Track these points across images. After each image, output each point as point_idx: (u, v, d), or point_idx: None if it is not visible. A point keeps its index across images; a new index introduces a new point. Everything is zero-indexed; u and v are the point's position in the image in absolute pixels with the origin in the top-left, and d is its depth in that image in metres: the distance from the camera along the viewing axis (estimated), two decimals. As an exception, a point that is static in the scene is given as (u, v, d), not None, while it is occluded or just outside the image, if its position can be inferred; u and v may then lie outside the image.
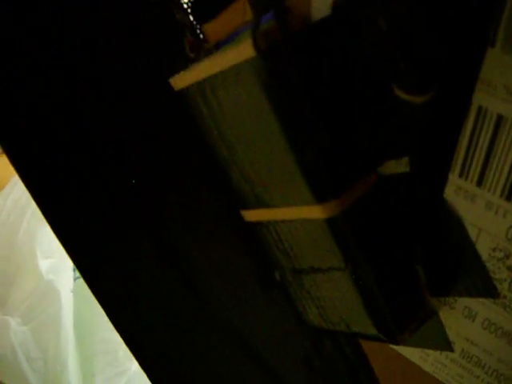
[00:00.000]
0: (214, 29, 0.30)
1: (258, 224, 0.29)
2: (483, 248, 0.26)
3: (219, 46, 0.29)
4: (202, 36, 0.30)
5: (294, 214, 0.26)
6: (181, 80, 0.27)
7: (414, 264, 0.28)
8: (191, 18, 0.31)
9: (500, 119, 0.22)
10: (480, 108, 0.22)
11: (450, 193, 0.25)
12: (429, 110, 0.23)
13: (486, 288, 0.27)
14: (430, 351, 0.32)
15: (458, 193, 0.25)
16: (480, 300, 0.28)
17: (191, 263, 0.35)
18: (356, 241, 0.25)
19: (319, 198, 0.25)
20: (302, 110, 0.23)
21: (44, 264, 0.95)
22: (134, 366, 0.95)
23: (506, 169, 0.23)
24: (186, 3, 0.30)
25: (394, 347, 0.34)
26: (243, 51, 0.23)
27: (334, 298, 0.28)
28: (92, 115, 0.33)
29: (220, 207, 0.33)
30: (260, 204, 0.28)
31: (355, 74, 0.23)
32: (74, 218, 0.35)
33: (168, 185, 0.34)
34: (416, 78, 0.22)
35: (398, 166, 0.25)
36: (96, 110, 0.32)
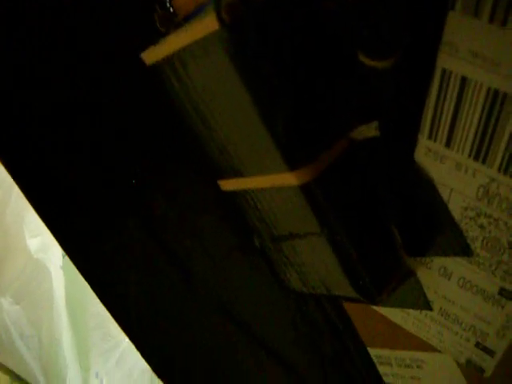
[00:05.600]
0: (184, 1, 0.30)
1: (235, 193, 0.29)
2: (455, 208, 0.26)
3: (188, 18, 0.29)
4: (171, 9, 0.30)
5: (269, 182, 0.27)
6: (151, 54, 0.27)
7: (390, 225, 0.28)
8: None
9: (464, 81, 0.22)
10: (444, 70, 0.23)
11: (420, 155, 0.26)
12: (394, 75, 0.23)
13: (460, 247, 0.27)
14: (411, 311, 0.33)
15: (428, 154, 0.25)
16: (455, 259, 0.28)
17: (173, 235, 0.36)
18: (330, 206, 0.26)
19: (291, 165, 0.25)
20: (269, 80, 0.23)
21: (32, 243, 0.95)
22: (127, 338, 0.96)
23: (473, 129, 0.23)
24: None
25: (377, 309, 0.35)
26: (208, 24, 0.23)
27: (313, 263, 0.29)
28: (67, 92, 0.33)
29: (198, 178, 0.33)
30: (236, 174, 0.28)
31: (320, 41, 0.23)
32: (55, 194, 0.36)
33: (148, 160, 0.34)
34: (378, 43, 0.22)
35: (368, 131, 0.26)
36: (70, 87, 0.33)
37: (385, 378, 0.40)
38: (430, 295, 0.31)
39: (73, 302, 0.98)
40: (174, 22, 0.30)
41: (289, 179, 0.25)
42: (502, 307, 0.28)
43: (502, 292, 0.27)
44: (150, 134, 0.33)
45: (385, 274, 0.29)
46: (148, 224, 0.36)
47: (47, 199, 0.36)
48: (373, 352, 0.39)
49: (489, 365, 0.31)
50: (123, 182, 0.35)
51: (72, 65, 0.32)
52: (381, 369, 0.39)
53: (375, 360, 0.39)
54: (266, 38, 0.23)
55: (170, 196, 0.35)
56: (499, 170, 0.24)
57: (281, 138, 0.24)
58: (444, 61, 0.22)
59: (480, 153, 0.24)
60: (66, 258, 0.97)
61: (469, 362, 0.32)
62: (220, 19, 0.22)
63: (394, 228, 0.28)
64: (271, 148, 0.25)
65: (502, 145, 0.23)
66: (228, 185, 0.29)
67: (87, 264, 0.38)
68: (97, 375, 1.01)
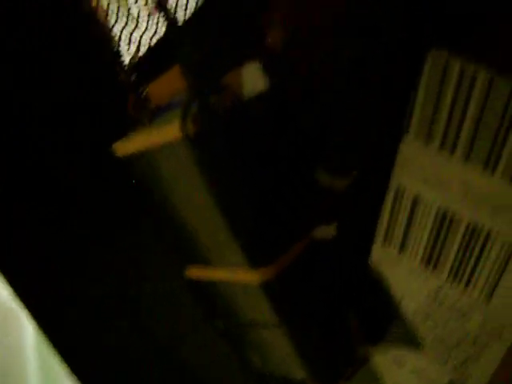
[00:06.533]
0: (157, 90, 0.31)
1: (202, 280, 0.31)
2: (407, 308, 0.28)
3: (160, 110, 0.30)
4: (144, 96, 0.31)
5: (232, 276, 0.28)
6: (122, 148, 0.28)
7: (347, 317, 0.29)
8: (134, 78, 0.32)
9: (416, 199, 0.24)
10: (398, 188, 0.24)
11: (375, 257, 0.27)
12: (353, 188, 0.24)
13: (412, 341, 0.29)
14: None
15: (383, 258, 0.27)
16: (408, 350, 0.30)
17: (143, 306, 0.36)
18: (289, 302, 0.27)
19: (253, 263, 0.26)
20: (231, 185, 0.24)
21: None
22: None
23: (424, 241, 0.25)
24: (130, 64, 0.31)
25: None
26: (175, 131, 0.24)
27: (273, 349, 0.30)
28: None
29: (169, 262, 0.34)
30: (203, 263, 0.29)
31: (282, 151, 0.25)
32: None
33: (122, 242, 0.35)
34: (339, 163, 0.24)
35: (327, 231, 0.27)
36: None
37: None
38: (384, 382, 0.32)
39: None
40: (147, 109, 0.31)
41: (251, 276, 0.27)
42: (452, 397, 0.29)
43: (451, 384, 0.29)
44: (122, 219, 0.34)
45: (340, 362, 0.30)
46: (118, 294, 0.36)
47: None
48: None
49: None
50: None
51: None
52: None
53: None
54: (229, 146, 0.24)
55: (140, 272, 0.35)
56: (448, 277, 0.25)
57: (243, 239, 0.26)
58: (398, 179, 0.24)
59: (431, 261, 0.25)
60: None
61: None
62: (185, 129, 0.24)
63: (351, 318, 0.29)
64: (235, 247, 0.26)
65: (451, 256, 0.24)
66: (195, 273, 0.30)
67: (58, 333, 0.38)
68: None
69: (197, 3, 0.27)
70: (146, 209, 0.31)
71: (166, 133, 0.25)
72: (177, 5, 0.27)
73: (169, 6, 0.27)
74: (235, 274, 0.27)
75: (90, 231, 0.33)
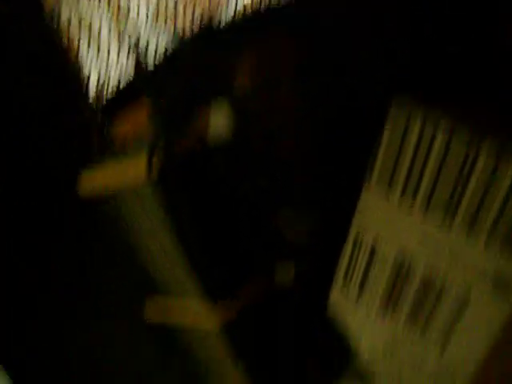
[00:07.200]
0: (122, 132, 0.31)
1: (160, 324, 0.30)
2: (365, 350, 0.28)
3: (125, 151, 0.30)
4: (108, 137, 0.31)
5: (191, 319, 0.28)
6: (84, 187, 0.28)
7: (303, 358, 0.30)
8: (99, 118, 0.32)
9: (374, 249, 0.24)
10: (357, 237, 0.25)
11: (334, 301, 0.28)
12: (313, 234, 0.25)
13: (367, 381, 0.29)
14: None
15: (341, 302, 0.27)
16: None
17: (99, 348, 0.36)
18: (245, 347, 0.27)
19: (209, 306, 0.26)
20: (187, 225, 0.25)
21: None
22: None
23: (382, 286, 0.25)
24: (96, 103, 0.31)
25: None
26: (139, 174, 0.24)
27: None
28: None
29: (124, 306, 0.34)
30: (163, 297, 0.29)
31: (243, 197, 0.25)
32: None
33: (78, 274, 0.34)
34: (297, 221, 0.24)
35: (286, 274, 0.27)
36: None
37: None
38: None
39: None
40: (111, 150, 0.31)
41: (209, 319, 0.27)
42: None
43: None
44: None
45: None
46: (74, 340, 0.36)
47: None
48: None
49: None
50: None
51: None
52: None
53: None
54: (190, 192, 0.25)
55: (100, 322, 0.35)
56: (405, 322, 0.26)
57: (199, 282, 0.26)
58: (358, 226, 0.25)
59: (388, 306, 0.26)
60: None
61: None
62: (148, 174, 0.24)
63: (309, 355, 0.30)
64: (191, 289, 0.26)
65: (408, 301, 0.25)
66: (153, 315, 0.30)
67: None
68: None
69: (167, 49, 0.27)
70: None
71: (130, 173, 0.25)
72: (147, 48, 0.27)
73: (139, 49, 0.27)
74: (194, 317, 0.27)
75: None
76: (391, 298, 0.25)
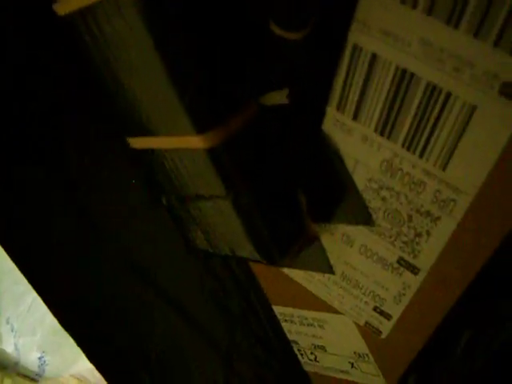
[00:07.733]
0: None
1: (144, 151, 0.29)
2: (359, 179, 0.27)
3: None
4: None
5: (177, 144, 0.26)
6: (64, 6, 0.26)
7: (296, 191, 0.28)
8: None
9: (374, 57, 0.22)
10: (355, 46, 0.23)
11: (328, 125, 0.26)
12: (306, 46, 0.23)
13: (362, 216, 0.28)
14: (315, 274, 0.34)
15: (336, 125, 0.26)
16: (357, 227, 0.29)
17: (83, 191, 0.35)
18: (237, 170, 0.26)
19: (199, 128, 0.24)
20: (178, 41, 0.22)
21: None
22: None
23: (380, 105, 0.23)
24: None
25: (282, 269, 0.35)
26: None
27: (219, 224, 0.29)
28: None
29: (107, 134, 0.32)
30: (145, 132, 0.28)
31: (232, 8, 0.23)
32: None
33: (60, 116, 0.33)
34: (292, 14, 0.22)
35: (278, 97, 0.25)
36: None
37: (289, 335, 0.41)
38: (333, 260, 0.32)
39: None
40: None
41: (196, 142, 0.25)
42: (400, 275, 0.29)
43: (400, 261, 0.28)
44: (61, 89, 0.32)
45: (288, 238, 0.29)
46: (57, 178, 0.35)
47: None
48: (277, 309, 0.39)
49: (386, 327, 0.32)
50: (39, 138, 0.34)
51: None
52: (285, 326, 0.40)
53: (279, 317, 0.40)
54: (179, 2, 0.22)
55: (80, 151, 0.34)
56: (403, 145, 0.24)
57: (189, 100, 0.24)
58: (355, 37, 0.22)
59: (386, 128, 0.24)
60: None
61: (367, 323, 0.33)
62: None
63: (300, 193, 0.28)
64: (179, 110, 0.24)
65: (407, 122, 0.23)
66: (137, 142, 0.29)
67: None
68: (8, 321, 1.00)
69: None
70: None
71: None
72: None
73: None
74: (180, 142, 0.26)
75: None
76: (389, 117, 0.24)
